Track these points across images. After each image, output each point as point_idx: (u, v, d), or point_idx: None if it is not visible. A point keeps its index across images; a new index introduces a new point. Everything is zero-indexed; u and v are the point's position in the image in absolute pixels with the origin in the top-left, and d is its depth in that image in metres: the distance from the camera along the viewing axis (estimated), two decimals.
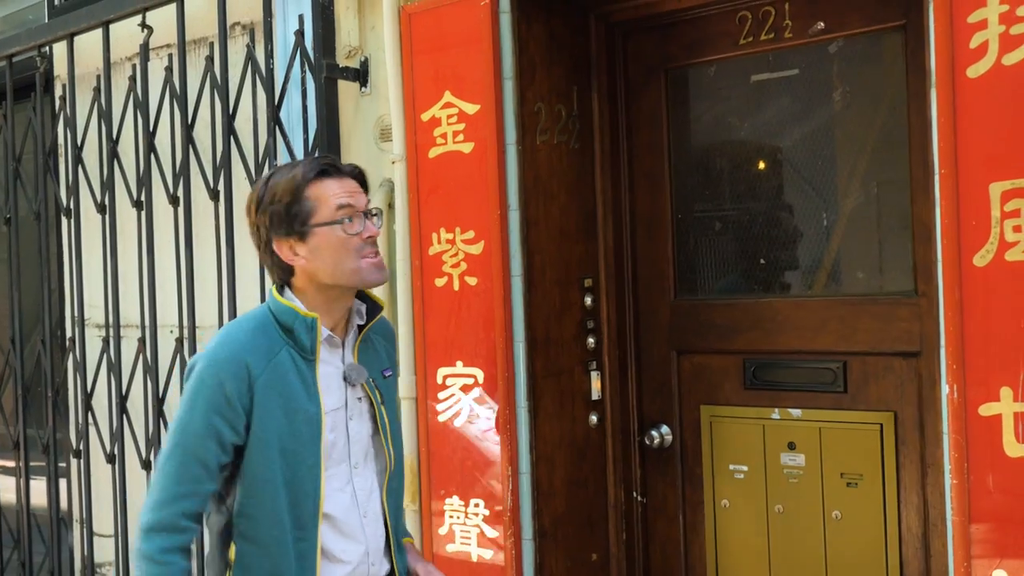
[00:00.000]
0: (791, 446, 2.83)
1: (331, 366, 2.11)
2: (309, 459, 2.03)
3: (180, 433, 2.01)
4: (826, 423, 2.77)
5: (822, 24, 2.76)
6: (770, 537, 2.88)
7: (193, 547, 2.07)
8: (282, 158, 3.23)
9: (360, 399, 2.16)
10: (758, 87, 2.92)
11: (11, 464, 4.34)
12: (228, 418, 1.98)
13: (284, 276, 2.10)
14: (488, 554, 2.83)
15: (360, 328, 2.19)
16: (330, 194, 2.04)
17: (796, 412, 2.83)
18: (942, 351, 2.17)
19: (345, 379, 2.13)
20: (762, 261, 2.92)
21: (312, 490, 2.04)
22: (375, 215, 2.11)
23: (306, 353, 2.05)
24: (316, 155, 3.15)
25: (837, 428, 2.76)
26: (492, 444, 2.81)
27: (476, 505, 2.85)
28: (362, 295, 2.20)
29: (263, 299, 3.25)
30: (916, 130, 2.60)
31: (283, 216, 2.05)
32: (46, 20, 4.22)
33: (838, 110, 2.80)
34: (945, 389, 2.16)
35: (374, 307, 2.22)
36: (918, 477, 2.65)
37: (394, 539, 2.21)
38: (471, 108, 2.85)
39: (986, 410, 2.11)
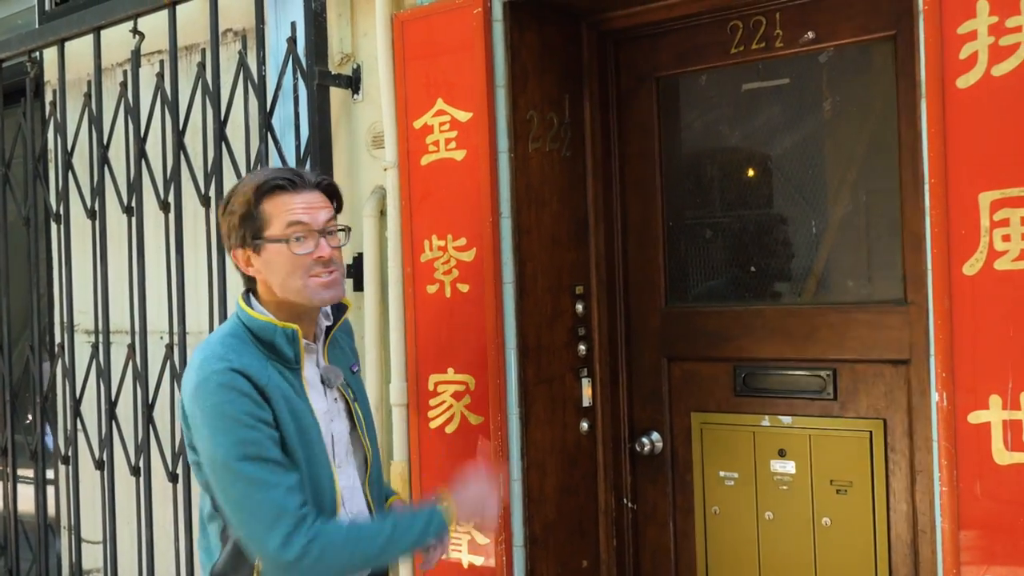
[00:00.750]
0: (781, 453, 2.85)
1: (310, 372, 2.12)
2: (322, 462, 2.04)
3: (238, 452, 1.91)
4: (816, 430, 2.79)
5: (812, 34, 2.78)
6: (760, 544, 2.89)
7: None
8: (273, 164, 3.23)
9: (336, 399, 2.17)
10: (749, 96, 2.94)
11: None
12: (264, 418, 1.94)
13: (248, 283, 2.13)
14: (479, 560, 2.83)
15: (328, 329, 2.20)
16: (283, 210, 2.02)
17: (786, 419, 2.84)
18: (932, 359, 2.19)
19: (323, 382, 2.14)
20: (752, 268, 2.94)
21: (330, 492, 2.05)
22: (332, 233, 2.08)
23: (290, 364, 2.05)
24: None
25: (827, 435, 2.77)
26: (483, 451, 2.81)
27: None
28: None
29: None
30: (906, 139, 2.62)
31: (237, 227, 2.05)
32: (37, 25, 4.21)
33: (828, 119, 2.82)
34: (935, 397, 2.18)
35: (339, 307, 2.23)
36: (907, 484, 2.66)
37: None
38: (463, 115, 2.85)
39: (975, 418, 2.13)
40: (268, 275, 2.05)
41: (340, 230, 2.13)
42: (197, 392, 1.97)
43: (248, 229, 2.04)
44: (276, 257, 2.03)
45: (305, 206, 2.04)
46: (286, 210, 2.03)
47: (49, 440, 4.11)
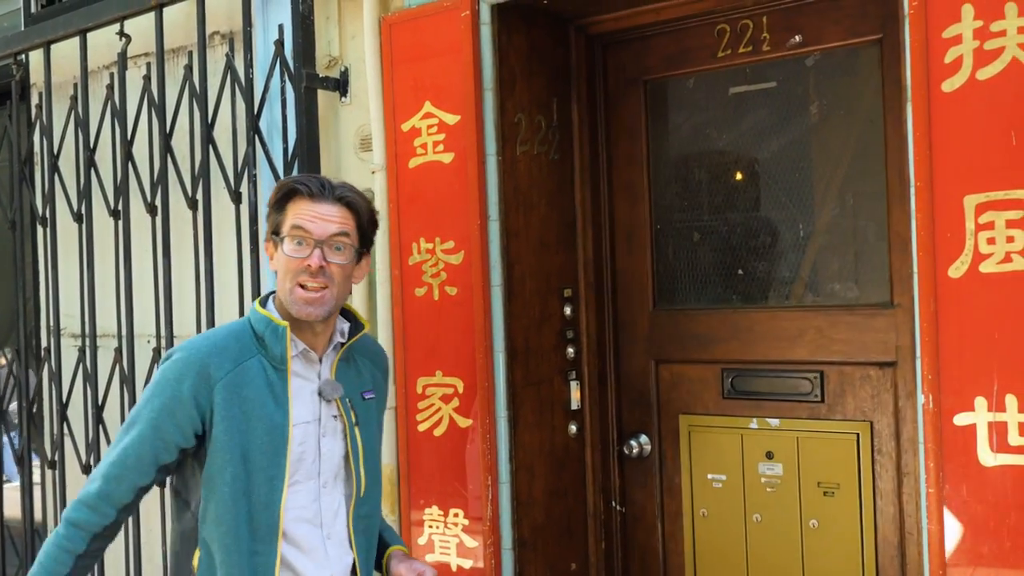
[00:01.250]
0: (769, 455, 2.85)
1: (306, 380, 2.12)
2: (271, 469, 2.03)
3: (131, 421, 2.05)
4: (803, 432, 2.80)
5: (799, 37, 2.79)
6: (748, 546, 2.89)
7: (101, 532, 2.07)
8: (261, 168, 3.22)
9: (335, 417, 2.15)
10: (736, 99, 2.94)
11: None
12: (178, 418, 2.00)
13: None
14: (468, 564, 2.83)
15: (341, 346, 2.18)
16: (295, 212, 2.07)
17: (774, 422, 2.85)
18: (918, 361, 2.20)
19: (319, 394, 2.12)
20: (740, 272, 2.95)
21: (271, 502, 2.03)
22: (339, 249, 2.06)
23: (276, 362, 2.06)
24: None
25: (814, 437, 2.78)
26: (472, 454, 2.81)
27: (456, 515, 2.85)
28: (346, 313, 2.22)
29: (241, 308, 3.24)
30: (892, 143, 2.64)
31: (267, 219, 2.15)
32: (22, 28, 4.19)
33: (815, 122, 2.83)
34: (921, 399, 2.19)
35: (357, 326, 2.21)
36: (894, 486, 2.67)
37: (362, 568, 2.18)
38: (451, 118, 2.86)
39: (961, 420, 2.14)
40: (277, 270, 2.12)
41: (339, 248, 2.07)
42: (162, 361, 2.09)
43: (271, 224, 2.12)
44: (280, 256, 2.09)
45: (314, 215, 2.05)
46: (296, 213, 2.06)
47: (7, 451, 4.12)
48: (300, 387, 2.10)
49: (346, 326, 2.19)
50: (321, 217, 2.06)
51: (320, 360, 2.14)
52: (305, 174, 2.23)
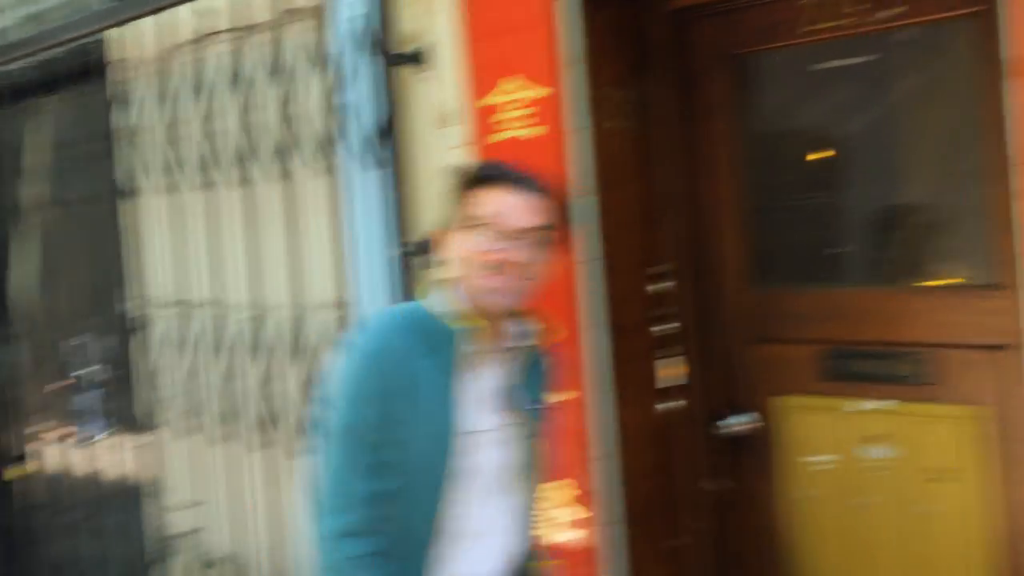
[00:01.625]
0: (872, 439, 2.78)
1: (478, 385, 1.99)
2: (433, 476, 1.91)
3: (350, 427, 1.89)
4: (907, 416, 2.70)
5: (895, 11, 2.67)
6: (851, 530, 2.83)
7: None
8: (343, 143, 3.23)
9: (506, 426, 2.03)
10: (825, 75, 2.82)
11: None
12: (390, 410, 1.88)
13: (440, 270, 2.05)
14: (575, 536, 2.83)
15: (518, 350, 2.06)
16: (484, 201, 1.95)
17: (876, 404, 2.76)
18: None
19: (493, 401, 2.01)
20: (836, 250, 2.86)
21: (428, 511, 1.92)
22: (532, 243, 1.94)
23: (451, 365, 1.94)
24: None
25: (919, 422, 2.67)
26: (576, 428, 2.78)
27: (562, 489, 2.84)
28: (528, 317, 2.08)
29: (323, 281, 3.28)
30: (991, 120, 2.51)
31: (452, 205, 2.01)
32: (104, 6, 4.21)
33: (909, 98, 2.71)
34: None
35: (538, 332, 2.09)
36: (1006, 474, 2.57)
37: None
38: (535, 93, 2.80)
39: None
40: (458, 260, 1.98)
41: (535, 244, 1.96)
42: (341, 364, 1.95)
43: (458, 210, 1.99)
44: (467, 245, 1.95)
45: (512, 205, 1.94)
46: (491, 202, 1.94)
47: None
48: (473, 392, 1.98)
49: (527, 329, 2.06)
50: (519, 208, 1.94)
51: (494, 364, 2.02)
52: (500, 162, 2.08)
